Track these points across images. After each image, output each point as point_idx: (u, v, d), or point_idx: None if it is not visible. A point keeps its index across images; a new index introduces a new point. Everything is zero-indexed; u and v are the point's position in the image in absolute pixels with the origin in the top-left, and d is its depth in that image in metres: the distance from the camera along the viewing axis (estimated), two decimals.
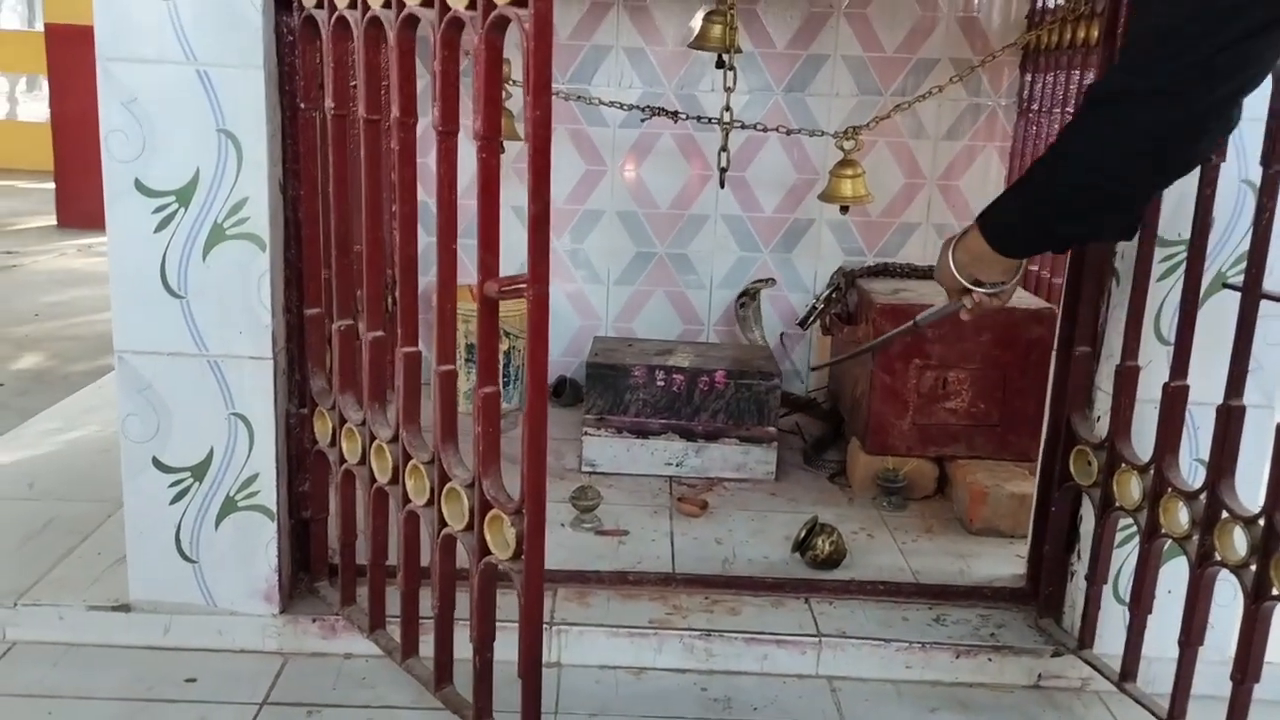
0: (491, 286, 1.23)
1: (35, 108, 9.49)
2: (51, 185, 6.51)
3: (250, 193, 1.55)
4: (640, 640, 1.70)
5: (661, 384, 2.35)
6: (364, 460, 1.56)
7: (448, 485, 1.39)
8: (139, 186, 1.54)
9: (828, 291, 2.46)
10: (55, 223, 6.39)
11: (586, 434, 2.35)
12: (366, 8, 1.38)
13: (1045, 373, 1.82)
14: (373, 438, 1.53)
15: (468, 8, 1.22)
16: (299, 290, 1.65)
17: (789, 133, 2.49)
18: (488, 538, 1.34)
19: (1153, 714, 1.53)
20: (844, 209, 2.45)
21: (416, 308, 1.44)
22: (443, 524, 1.41)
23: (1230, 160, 1.48)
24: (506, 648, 1.38)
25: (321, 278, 1.64)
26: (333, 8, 1.45)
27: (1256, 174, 1.39)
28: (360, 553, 1.68)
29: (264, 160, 1.54)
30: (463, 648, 1.45)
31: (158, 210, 1.55)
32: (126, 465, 1.64)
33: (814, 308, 2.47)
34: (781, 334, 2.84)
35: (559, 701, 1.60)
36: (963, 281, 1.42)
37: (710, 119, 2.37)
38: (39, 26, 8.46)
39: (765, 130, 2.45)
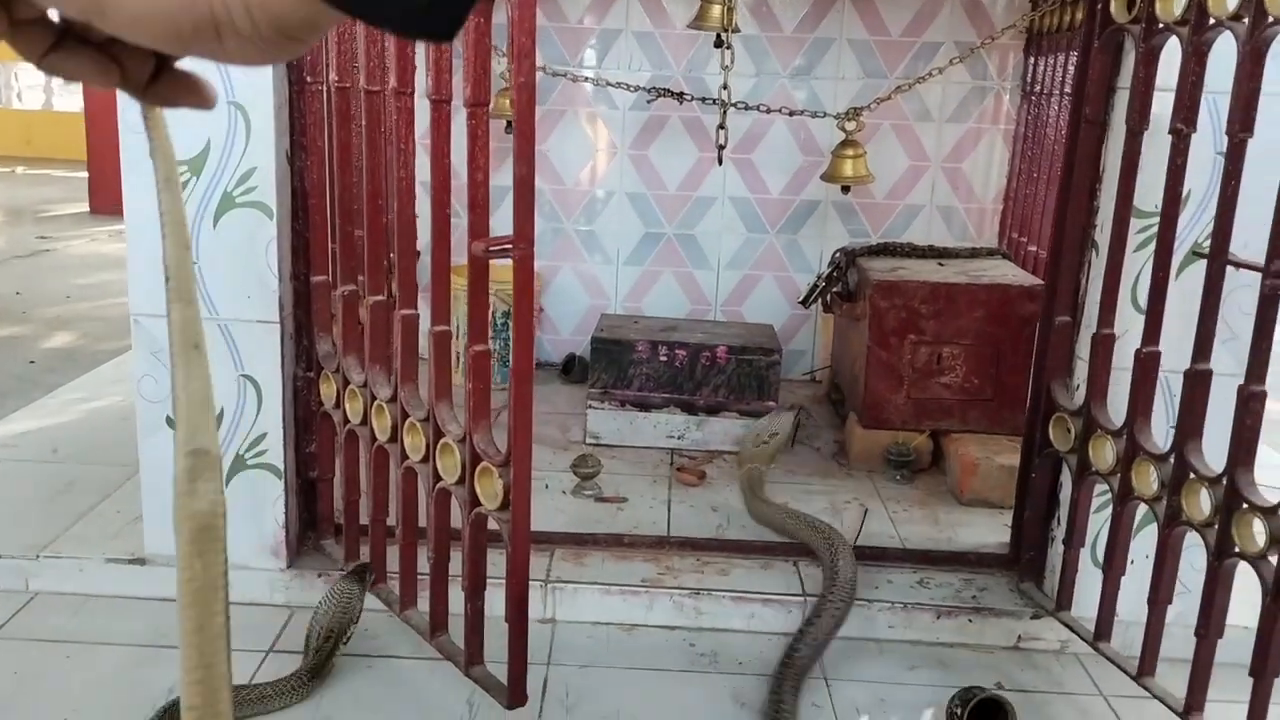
0: (479, 246, 1.29)
1: (72, 99, 9.66)
2: (85, 174, 6.67)
3: (259, 163, 1.62)
4: (632, 598, 1.76)
5: (665, 359, 2.41)
6: (366, 420, 1.63)
7: (442, 441, 1.46)
8: None
9: (829, 270, 2.51)
10: (88, 209, 6.54)
11: (591, 407, 2.42)
12: None
13: None
14: (373, 398, 1.60)
15: None
16: (306, 257, 1.72)
17: (791, 114, 2.54)
18: (478, 490, 1.40)
19: (1124, 671, 1.57)
20: (845, 189, 2.50)
21: (415, 272, 1.51)
22: (437, 479, 1.48)
23: (1206, 133, 1.52)
24: (502, 605, 1.45)
25: (326, 245, 1.72)
26: None
27: (1226, 145, 1.43)
28: (363, 511, 1.75)
29: (271, 131, 1.61)
30: (457, 601, 1.52)
31: None
32: (142, 424, 1.72)
33: (815, 286, 2.52)
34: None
35: (552, 654, 1.67)
36: None
37: (715, 100, 2.43)
38: None
39: (767, 111, 2.51)
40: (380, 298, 1.58)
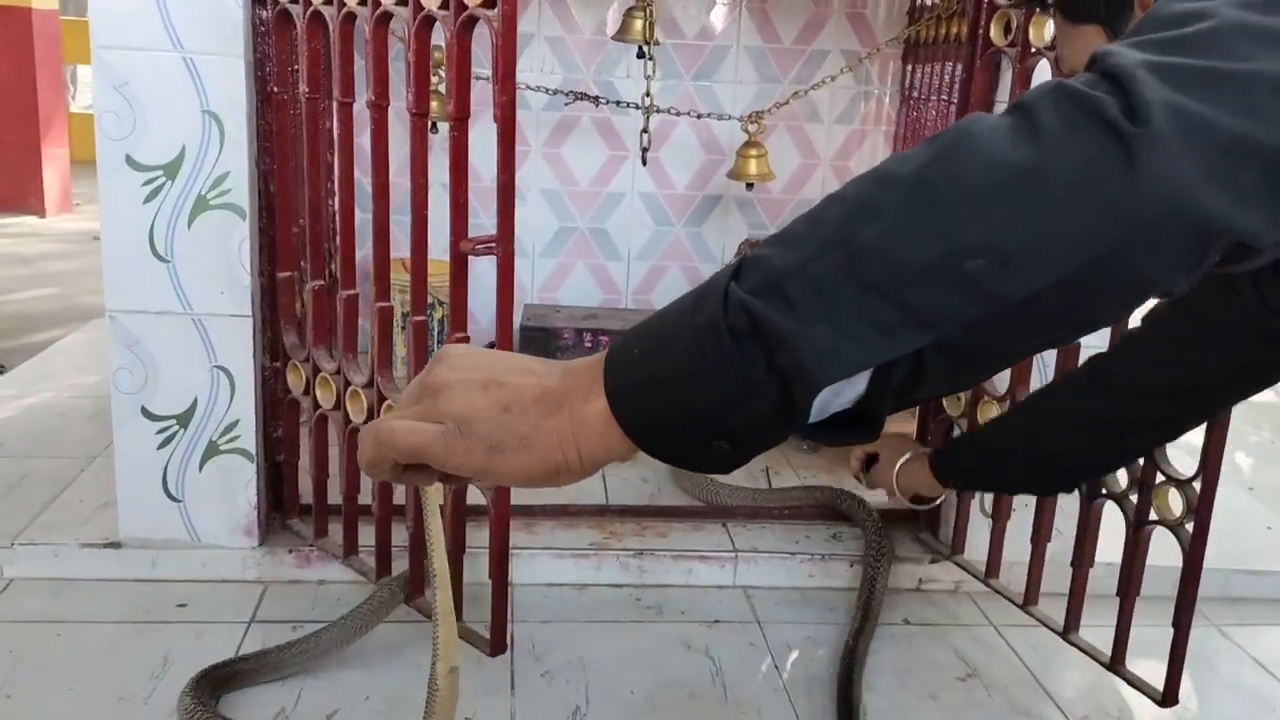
0: (467, 245, 1.46)
1: None
2: None
3: (232, 167, 1.74)
4: (582, 561, 1.95)
5: (589, 345, 2.59)
6: (338, 405, 1.77)
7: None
8: (129, 162, 1.72)
9: (735, 260, 2.72)
10: None
11: None
12: (342, 4, 1.59)
13: None
14: (347, 384, 1.74)
15: (440, 7, 1.44)
16: (271, 255, 1.84)
17: (699, 116, 2.75)
18: None
19: (1011, 602, 1.84)
20: (749, 185, 2.73)
21: (389, 268, 1.66)
22: None
23: None
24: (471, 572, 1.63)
25: (291, 244, 1.84)
26: (308, 3, 1.65)
27: None
28: (331, 492, 1.89)
29: (244, 138, 1.73)
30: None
31: (147, 183, 1.73)
32: (117, 414, 1.82)
33: None
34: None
35: (513, 613, 1.83)
36: (901, 497, 1.70)
37: (630, 104, 2.62)
38: None
39: (678, 114, 2.71)
40: (353, 291, 1.72)
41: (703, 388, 0.53)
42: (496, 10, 1.37)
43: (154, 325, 1.78)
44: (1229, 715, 1.72)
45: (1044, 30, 1.71)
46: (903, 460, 1.68)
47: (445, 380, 0.59)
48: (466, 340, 1.55)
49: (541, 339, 2.58)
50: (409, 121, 1.51)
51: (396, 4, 1.50)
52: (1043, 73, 1.73)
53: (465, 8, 1.41)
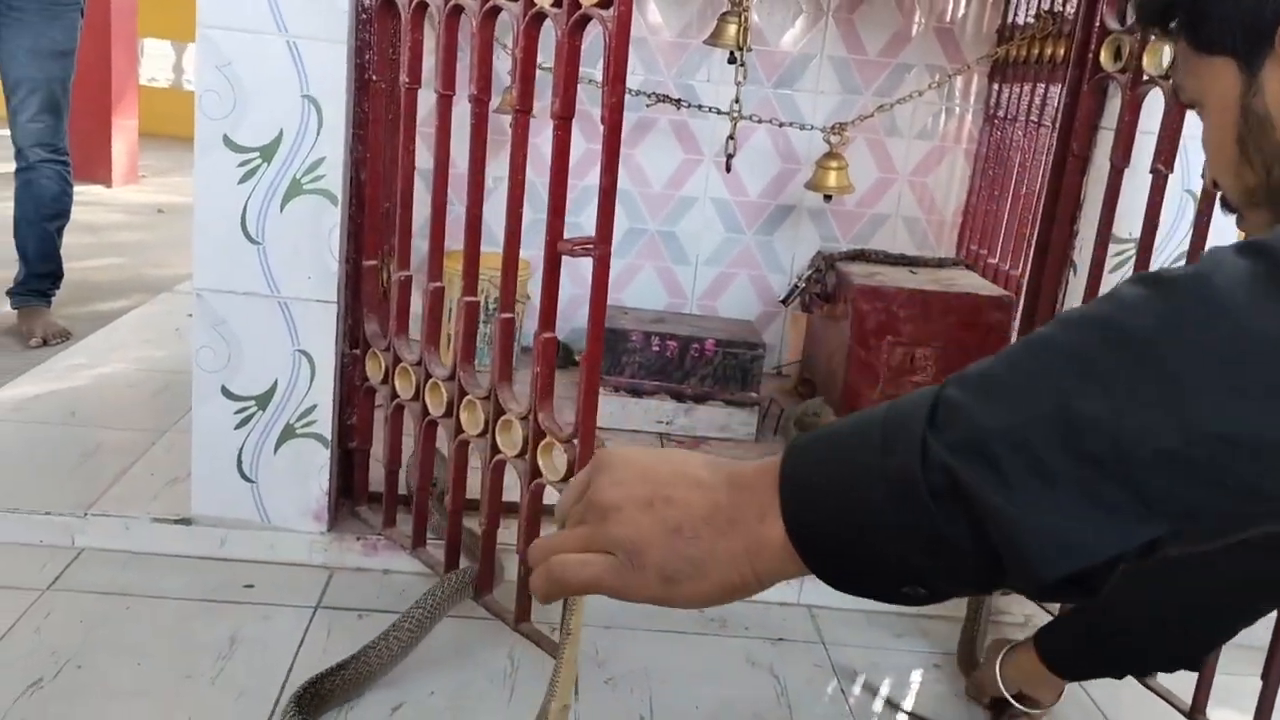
0: (564, 245, 1.44)
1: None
2: None
3: (327, 153, 1.74)
4: None
5: (656, 349, 2.57)
6: (417, 396, 1.76)
7: (503, 417, 1.60)
8: (227, 142, 1.72)
9: (809, 272, 2.70)
10: None
11: None
12: None
13: None
14: (428, 376, 1.73)
15: (553, 5, 1.43)
16: (357, 242, 1.84)
17: (781, 125, 2.72)
18: (540, 463, 1.55)
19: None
20: (828, 197, 2.70)
21: (478, 263, 1.65)
22: (495, 451, 1.62)
23: (1177, 172, 1.74)
24: None
25: (378, 232, 1.84)
26: None
27: (1197, 184, 1.65)
28: (401, 482, 1.89)
29: (341, 125, 1.73)
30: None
31: (242, 164, 1.73)
32: (197, 392, 1.82)
33: (795, 287, 2.71)
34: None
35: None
36: (1006, 694, 1.51)
37: (713, 108, 2.60)
38: None
39: (760, 121, 2.68)
40: (439, 284, 1.72)
41: (896, 539, 0.50)
42: (612, 11, 1.36)
43: (240, 306, 1.79)
44: None
45: (1159, 57, 1.67)
46: (1004, 652, 1.51)
47: (611, 501, 0.58)
48: (555, 341, 1.53)
49: (610, 340, 2.56)
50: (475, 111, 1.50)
51: None
52: (1155, 101, 1.69)
53: (579, 6, 1.39)
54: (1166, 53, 1.65)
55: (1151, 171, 1.68)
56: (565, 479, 1.52)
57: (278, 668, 1.59)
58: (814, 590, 1.94)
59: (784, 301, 2.77)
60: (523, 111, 1.51)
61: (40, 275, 3.09)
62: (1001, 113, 2.90)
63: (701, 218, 3.11)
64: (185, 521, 1.87)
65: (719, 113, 2.59)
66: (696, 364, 2.58)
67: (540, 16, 1.46)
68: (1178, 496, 0.45)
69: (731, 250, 3.13)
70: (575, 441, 1.49)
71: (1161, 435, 0.44)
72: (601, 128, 1.39)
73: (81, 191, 5.94)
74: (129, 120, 6.38)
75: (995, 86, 2.98)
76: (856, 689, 1.72)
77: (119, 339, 2.92)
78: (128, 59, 6.43)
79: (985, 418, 0.48)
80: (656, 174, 3.06)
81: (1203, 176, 1.61)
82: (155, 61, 9.46)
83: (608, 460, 0.61)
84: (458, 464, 1.70)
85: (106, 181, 6.21)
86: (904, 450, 0.50)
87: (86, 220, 5.10)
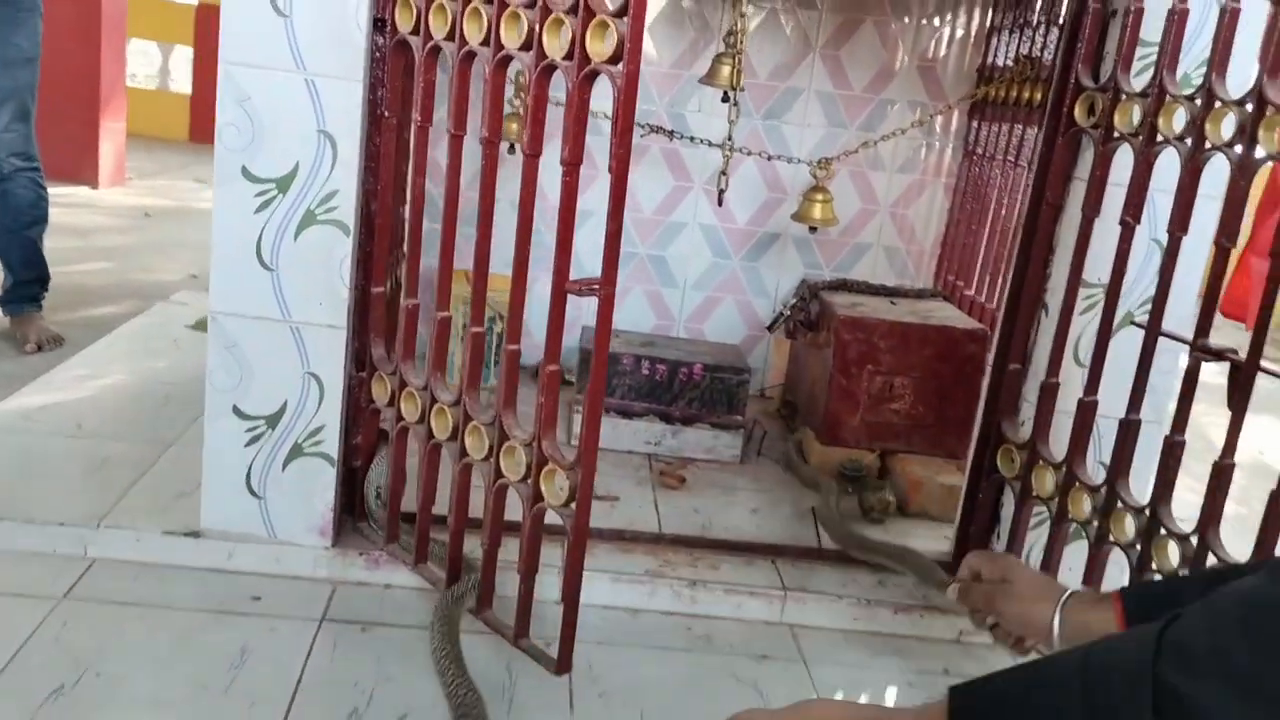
0: (572, 286, 1.53)
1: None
2: None
3: (341, 186, 1.82)
4: (637, 586, 2.02)
5: (646, 372, 2.66)
6: (422, 419, 1.84)
7: (506, 443, 1.69)
8: (245, 173, 1.80)
9: (794, 300, 2.80)
10: None
11: (577, 412, 2.66)
12: (464, 43, 1.67)
13: (976, 383, 2.20)
14: (433, 401, 1.82)
15: (564, 59, 1.52)
16: (365, 270, 1.92)
17: (770, 158, 2.82)
18: (542, 488, 1.64)
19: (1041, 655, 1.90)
20: (813, 229, 2.80)
21: (485, 295, 1.73)
22: (498, 475, 1.71)
23: (1144, 223, 1.84)
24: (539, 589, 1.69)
25: (385, 261, 1.92)
26: (428, 36, 1.72)
27: (1163, 234, 1.76)
28: (407, 501, 1.97)
29: (355, 159, 1.81)
30: (501, 586, 1.77)
31: (259, 194, 1.81)
32: (210, 410, 1.90)
33: (781, 314, 2.81)
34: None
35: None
36: (1056, 637, 1.39)
37: (705, 140, 2.70)
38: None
39: (749, 154, 2.78)
40: (446, 313, 1.80)
41: None
42: (620, 67, 1.45)
43: (253, 329, 1.86)
44: None
45: (1130, 116, 1.78)
46: (1064, 601, 1.40)
47: None
48: (559, 373, 1.62)
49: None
50: (485, 151, 1.60)
51: (520, 49, 1.58)
52: (1125, 156, 1.79)
53: (589, 60, 1.48)
54: (1136, 111, 1.77)
55: (1121, 222, 1.79)
56: (567, 504, 1.61)
57: (288, 678, 1.67)
58: (796, 610, 2.04)
59: (769, 328, 2.87)
60: (533, 155, 1.60)
61: (28, 281, 3.16)
62: (979, 149, 3.02)
63: (690, 243, 3.21)
64: (194, 534, 1.94)
65: (710, 144, 2.69)
66: (684, 387, 2.67)
67: (551, 68, 1.55)
68: None
69: (718, 275, 3.23)
70: (578, 469, 1.58)
71: None
72: (609, 175, 1.48)
73: (68, 194, 6.01)
74: (117, 123, 6.41)
75: (974, 124, 3.09)
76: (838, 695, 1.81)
77: (120, 349, 2.98)
78: (117, 61, 6.45)
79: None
80: (648, 199, 3.15)
81: (1168, 230, 1.72)
82: (140, 61, 9.47)
83: None
84: (460, 487, 1.79)
85: (93, 183, 6.23)
86: None
87: (73, 223, 5.14)
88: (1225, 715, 0.50)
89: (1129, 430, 1.79)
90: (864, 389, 2.59)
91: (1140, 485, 1.82)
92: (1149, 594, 1.31)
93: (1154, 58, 1.74)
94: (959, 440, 2.57)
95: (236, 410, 1.90)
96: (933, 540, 2.34)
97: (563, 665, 1.67)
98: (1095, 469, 1.95)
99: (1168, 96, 1.71)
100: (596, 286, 1.52)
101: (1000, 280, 2.71)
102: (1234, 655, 0.52)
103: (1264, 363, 1.59)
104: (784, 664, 1.92)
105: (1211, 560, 1.64)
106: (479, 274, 1.71)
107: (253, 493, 1.94)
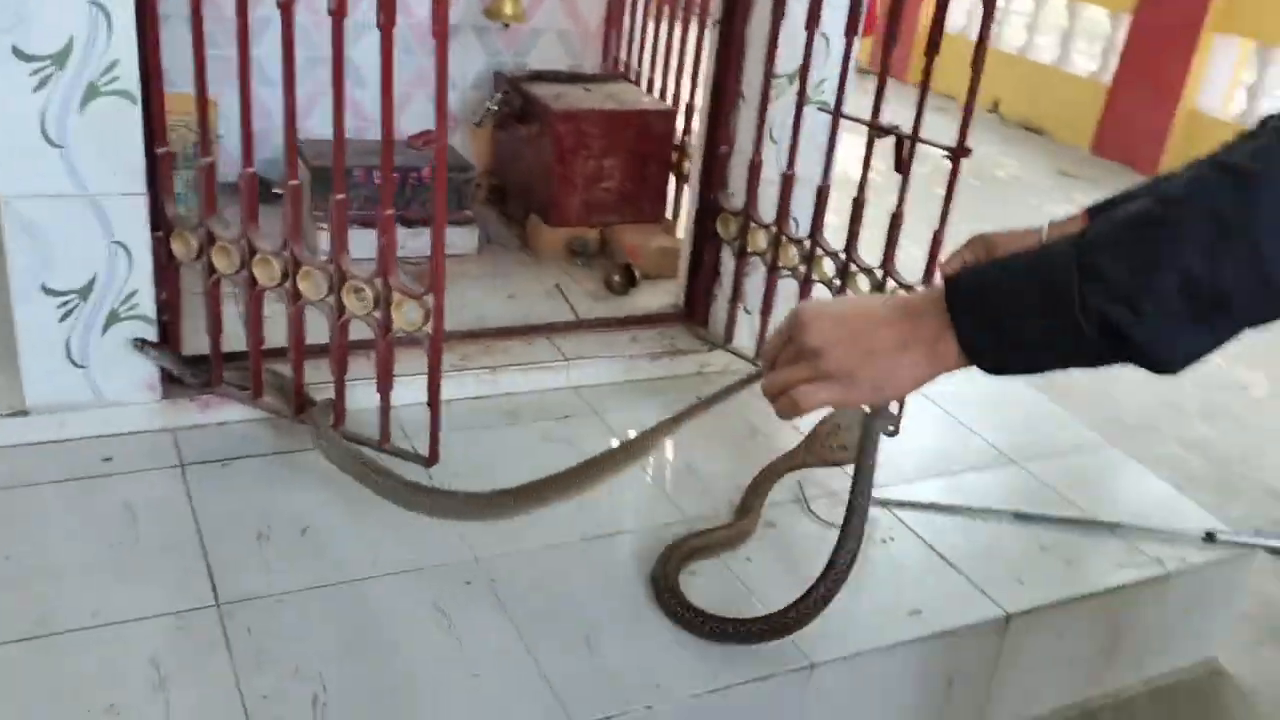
0: (415, 141, 1.74)
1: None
2: None
3: (121, 55, 1.82)
4: (448, 380, 2.30)
5: (379, 181, 2.82)
6: (243, 268, 1.98)
7: (347, 283, 1.90)
8: (16, 52, 1.75)
9: (499, 95, 3.03)
10: None
11: (320, 228, 2.79)
12: None
13: (666, 156, 2.71)
14: (253, 251, 1.96)
15: None
16: (149, 131, 1.96)
17: None
18: (394, 316, 1.89)
19: (750, 361, 2.47)
20: (506, 25, 3.01)
21: (296, 150, 1.87)
22: (341, 311, 1.92)
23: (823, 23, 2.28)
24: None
25: (165, 120, 1.96)
26: None
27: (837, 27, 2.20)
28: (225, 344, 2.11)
29: (132, 28, 1.82)
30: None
31: (35, 73, 1.78)
32: (17, 292, 1.90)
33: (488, 109, 3.04)
34: None
35: (405, 430, 2.20)
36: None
37: None
38: None
39: None
40: (252, 170, 1.92)
41: (1052, 352, 0.78)
42: None
43: (49, 207, 1.87)
44: None
45: None
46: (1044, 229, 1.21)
47: (819, 346, 0.87)
48: (392, 217, 1.83)
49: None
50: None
51: None
52: None
53: None
54: None
55: (805, 28, 2.23)
56: (422, 324, 1.88)
57: (184, 519, 1.85)
58: (577, 374, 2.45)
59: (478, 124, 3.09)
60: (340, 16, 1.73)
61: None
62: None
63: (373, 42, 3.27)
64: (21, 413, 1.98)
65: None
66: (416, 190, 2.88)
67: None
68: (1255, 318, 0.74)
69: (405, 72, 3.34)
70: (429, 297, 1.85)
71: (1249, 284, 0.71)
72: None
73: None
74: None
75: None
76: (631, 434, 2.28)
77: None
78: None
79: (1123, 277, 0.73)
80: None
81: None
82: None
83: (806, 316, 0.86)
84: (296, 325, 1.98)
85: None
86: (1063, 306, 0.74)
87: None
88: (1109, 271, 0.74)
89: (822, 194, 2.31)
90: (579, 173, 2.94)
91: (832, 235, 2.37)
92: (1112, 203, 1.32)
93: None
94: (656, 206, 3.02)
95: (45, 288, 1.92)
96: (659, 296, 2.82)
97: (432, 458, 1.99)
98: (795, 225, 2.47)
99: None
100: (434, 139, 1.74)
101: (674, 58, 3.10)
102: (1117, 233, 0.76)
103: (922, 135, 2.13)
104: (581, 419, 2.35)
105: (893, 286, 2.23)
106: (289, 131, 1.85)
107: (75, 364, 1.99)
